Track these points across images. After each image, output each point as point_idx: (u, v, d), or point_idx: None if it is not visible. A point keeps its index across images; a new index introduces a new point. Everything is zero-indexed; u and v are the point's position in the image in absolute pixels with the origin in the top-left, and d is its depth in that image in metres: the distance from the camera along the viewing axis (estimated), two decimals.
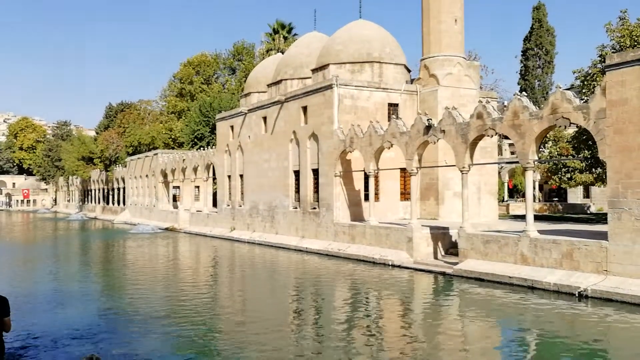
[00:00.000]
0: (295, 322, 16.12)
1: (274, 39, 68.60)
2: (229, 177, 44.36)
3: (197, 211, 49.96)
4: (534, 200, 33.99)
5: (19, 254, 34.86)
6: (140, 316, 16.15)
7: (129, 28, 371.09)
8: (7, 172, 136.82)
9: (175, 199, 58.56)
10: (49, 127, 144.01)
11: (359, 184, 31.68)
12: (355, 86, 32.01)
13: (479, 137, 23.22)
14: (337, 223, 30.77)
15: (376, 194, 31.05)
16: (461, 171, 23.64)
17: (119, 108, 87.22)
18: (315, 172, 33.31)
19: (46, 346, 12.83)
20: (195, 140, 59.60)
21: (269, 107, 38.08)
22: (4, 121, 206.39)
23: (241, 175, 42.51)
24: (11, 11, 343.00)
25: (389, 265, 25.32)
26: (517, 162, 24.84)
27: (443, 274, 22.72)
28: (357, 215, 31.38)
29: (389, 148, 27.98)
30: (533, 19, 63.24)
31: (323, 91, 32.05)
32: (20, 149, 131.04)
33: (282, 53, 50.65)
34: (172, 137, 70.09)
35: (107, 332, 14.44)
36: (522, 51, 64.47)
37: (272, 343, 13.40)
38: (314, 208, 33.07)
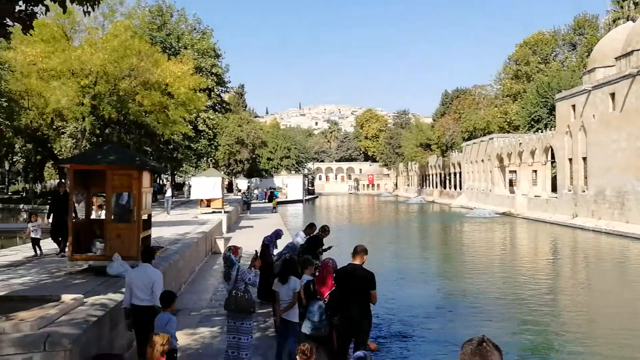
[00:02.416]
0: None
1: (622, 7, 61.68)
2: (570, 160, 41.56)
3: (535, 196, 48.07)
4: None
5: (368, 234, 38.44)
6: (481, 299, 16.30)
7: (460, 14, 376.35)
8: (354, 160, 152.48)
9: (511, 183, 57.46)
10: (390, 116, 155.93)
11: None
12: None
13: None
14: None
15: None
16: None
17: (454, 94, 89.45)
18: None
19: (405, 322, 13.79)
20: (532, 122, 57.38)
21: (618, 82, 34.41)
22: (352, 113, 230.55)
23: (584, 158, 39.43)
24: (349, 15, 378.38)
25: None
26: None
27: None
28: None
29: None
30: None
31: None
32: (366, 137, 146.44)
33: (633, 21, 45.21)
34: (507, 120, 68.79)
35: (451, 312, 15.00)
36: None
37: (620, 342, 12.18)
38: None
